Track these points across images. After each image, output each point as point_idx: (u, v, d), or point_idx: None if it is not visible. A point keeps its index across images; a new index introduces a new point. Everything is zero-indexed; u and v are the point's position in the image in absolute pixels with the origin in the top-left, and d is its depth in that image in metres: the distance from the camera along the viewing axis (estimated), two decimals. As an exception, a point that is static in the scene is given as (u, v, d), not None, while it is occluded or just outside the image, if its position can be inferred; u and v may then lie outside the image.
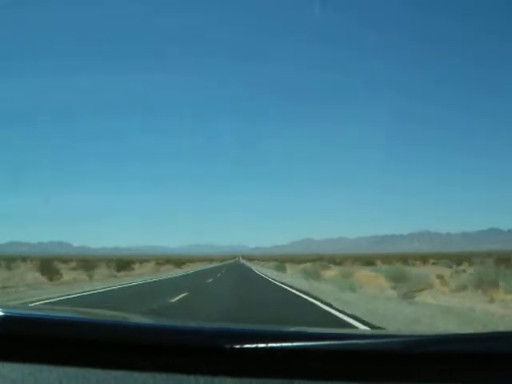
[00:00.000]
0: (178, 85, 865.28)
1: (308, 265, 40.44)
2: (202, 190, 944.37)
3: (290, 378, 1.11)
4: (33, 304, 11.66)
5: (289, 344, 1.16)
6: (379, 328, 7.32)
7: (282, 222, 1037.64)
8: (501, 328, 7.33)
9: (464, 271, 31.95)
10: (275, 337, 1.26)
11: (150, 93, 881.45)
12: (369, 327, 7.64)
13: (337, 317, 9.39)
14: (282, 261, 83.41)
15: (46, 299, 13.19)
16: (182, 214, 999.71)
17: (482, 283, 15.18)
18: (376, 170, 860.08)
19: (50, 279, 23.86)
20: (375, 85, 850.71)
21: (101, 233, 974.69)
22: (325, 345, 1.18)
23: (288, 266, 52.07)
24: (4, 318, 1.32)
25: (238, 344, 1.16)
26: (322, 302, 12.64)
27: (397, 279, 17.37)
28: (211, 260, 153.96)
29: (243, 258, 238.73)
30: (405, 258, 74.85)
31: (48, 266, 28.37)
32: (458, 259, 61.50)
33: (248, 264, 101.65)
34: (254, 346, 1.15)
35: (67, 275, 28.01)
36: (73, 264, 49.59)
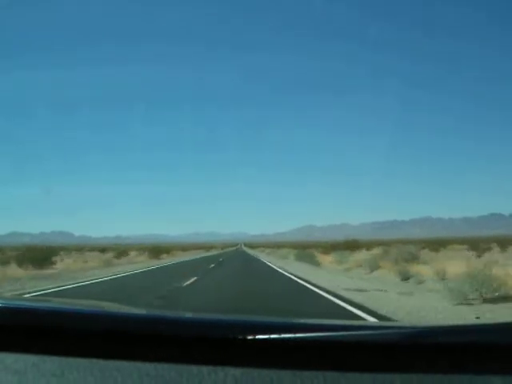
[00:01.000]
0: (179, 76, 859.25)
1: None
2: (202, 177, 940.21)
3: (301, 369, 1.11)
4: (35, 295, 11.25)
5: (300, 335, 1.17)
6: (387, 319, 7.23)
7: (283, 209, 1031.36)
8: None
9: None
10: (287, 328, 1.26)
11: (150, 84, 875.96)
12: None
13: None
14: (293, 248, 72.48)
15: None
16: (183, 203, 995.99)
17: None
18: (378, 157, 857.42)
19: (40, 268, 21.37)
20: (378, 74, 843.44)
21: (102, 222, 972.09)
22: (335, 336, 1.19)
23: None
24: (7, 309, 1.34)
25: (250, 335, 1.16)
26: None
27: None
28: (210, 248, 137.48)
29: (245, 245, 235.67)
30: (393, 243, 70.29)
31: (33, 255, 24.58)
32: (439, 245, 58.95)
33: (252, 252, 79.85)
34: (266, 337, 1.16)
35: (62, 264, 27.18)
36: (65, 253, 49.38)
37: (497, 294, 9.36)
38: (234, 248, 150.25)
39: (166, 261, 40.03)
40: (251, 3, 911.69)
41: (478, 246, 45.38)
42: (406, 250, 23.12)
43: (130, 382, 1.09)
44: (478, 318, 7.18)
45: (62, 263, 30.96)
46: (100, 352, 1.19)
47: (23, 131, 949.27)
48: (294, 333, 1.18)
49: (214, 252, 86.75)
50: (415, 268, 16.67)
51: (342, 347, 1.16)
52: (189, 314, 1.72)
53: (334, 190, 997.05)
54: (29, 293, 12.01)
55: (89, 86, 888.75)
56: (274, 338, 1.16)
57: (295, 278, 16.68)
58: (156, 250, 52.01)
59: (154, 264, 31.90)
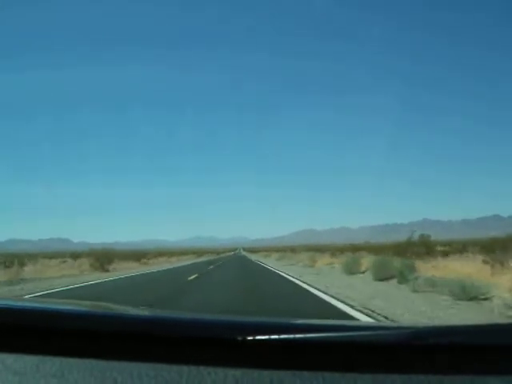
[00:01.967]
0: (178, 78, 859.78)
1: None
2: (201, 182, 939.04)
3: (301, 370, 1.11)
4: (35, 296, 11.21)
5: (300, 336, 1.17)
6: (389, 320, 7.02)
7: (283, 213, 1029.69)
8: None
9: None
10: (287, 329, 1.26)
11: (149, 86, 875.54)
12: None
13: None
14: (286, 251, 68.28)
15: None
16: (182, 208, 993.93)
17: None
18: (377, 160, 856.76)
19: None
20: (378, 75, 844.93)
21: (100, 228, 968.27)
22: (335, 336, 1.19)
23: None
24: (7, 310, 1.35)
25: (250, 336, 1.16)
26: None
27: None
28: (204, 253, 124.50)
29: (245, 250, 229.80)
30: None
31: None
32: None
33: (254, 258, 66.32)
34: (266, 337, 1.16)
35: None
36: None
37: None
38: (232, 253, 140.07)
39: (110, 275, 24.41)
40: (249, 3, 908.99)
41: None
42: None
43: (130, 382, 1.10)
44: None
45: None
46: (100, 352, 1.19)
47: (21, 137, 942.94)
48: (294, 333, 1.18)
49: (203, 258, 74.63)
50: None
51: (342, 348, 1.16)
52: (189, 315, 1.71)
53: (333, 193, 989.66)
54: None
55: (89, 88, 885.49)
56: (273, 339, 1.16)
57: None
58: (105, 256, 32.67)
59: (77, 282, 18.55)
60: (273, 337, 1.16)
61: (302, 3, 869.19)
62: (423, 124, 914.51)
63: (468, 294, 9.29)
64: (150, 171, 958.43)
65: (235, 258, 65.53)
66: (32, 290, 13.87)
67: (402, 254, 24.40)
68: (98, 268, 29.87)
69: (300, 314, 9.21)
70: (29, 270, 27.50)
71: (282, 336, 1.16)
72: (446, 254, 33.74)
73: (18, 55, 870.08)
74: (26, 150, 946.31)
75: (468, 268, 16.02)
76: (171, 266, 39.33)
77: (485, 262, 15.12)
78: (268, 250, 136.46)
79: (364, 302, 9.29)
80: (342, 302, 9.56)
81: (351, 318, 7.48)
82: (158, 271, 29.56)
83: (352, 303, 9.23)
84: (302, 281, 16.00)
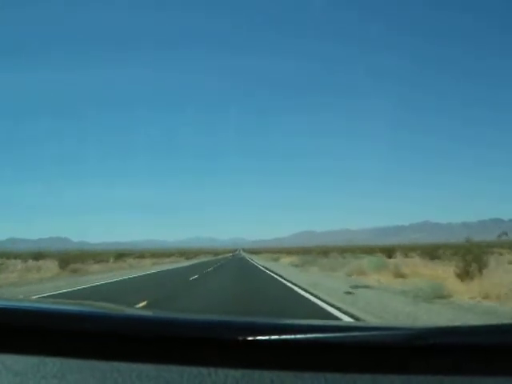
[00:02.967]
0: (179, 80, 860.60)
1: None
2: (201, 183, 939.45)
3: (302, 370, 1.11)
4: (36, 297, 11.07)
5: (301, 336, 1.17)
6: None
7: (283, 214, 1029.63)
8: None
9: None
10: (288, 329, 1.27)
11: (151, 87, 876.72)
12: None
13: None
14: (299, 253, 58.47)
15: None
16: (181, 208, 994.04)
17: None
18: (378, 162, 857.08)
19: None
20: (377, 77, 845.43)
21: (101, 228, 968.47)
22: (336, 337, 1.20)
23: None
24: (7, 310, 1.35)
25: (251, 336, 1.17)
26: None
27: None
28: (197, 254, 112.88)
29: (244, 250, 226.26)
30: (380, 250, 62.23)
31: None
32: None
33: (258, 263, 49.03)
34: (267, 338, 1.16)
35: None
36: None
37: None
38: (230, 255, 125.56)
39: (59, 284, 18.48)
40: (247, 3, 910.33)
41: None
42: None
43: (130, 382, 1.09)
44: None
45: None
46: (100, 353, 1.18)
47: (21, 136, 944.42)
48: (295, 334, 1.17)
49: (194, 261, 64.24)
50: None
51: (343, 348, 1.16)
52: (189, 315, 1.73)
53: (333, 195, 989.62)
54: None
55: (90, 88, 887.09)
56: (274, 339, 1.16)
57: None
58: (67, 257, 29.09)
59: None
60: (273, 337, 1.16)
61: (301, 4, 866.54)
62: (424, 126, 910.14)
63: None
64: (151, 172, 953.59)
65: (234, 262, 55.07)
66: None
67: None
68: (68, 270, 26.37)
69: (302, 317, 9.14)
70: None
71: (283, 336, 1.16)
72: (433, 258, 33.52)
73: (19, 55, 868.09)
74: (27, 150, 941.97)
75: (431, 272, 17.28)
76: (159, 269, 33.27)
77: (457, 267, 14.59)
78: (270, 251, 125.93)
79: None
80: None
81: None
82: (145, 275, 25.15)
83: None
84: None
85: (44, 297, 15.59)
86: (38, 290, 15.34)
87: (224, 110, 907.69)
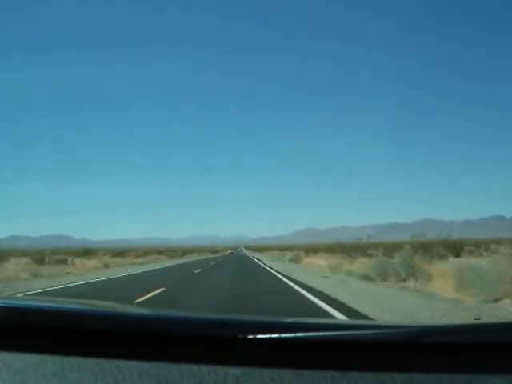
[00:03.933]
0: (179, 78, 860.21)
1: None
2: (203, 181, 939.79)
3: (302, 368, 1.11)
4: (35, 295, 10.98)
5: (301, 334, 1.17)
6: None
7: (284, 212, 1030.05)
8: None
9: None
10: (288, 327, 1.26)
11: (153, 85, 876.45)
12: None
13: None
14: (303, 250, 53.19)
15: None
16: (184, 206, 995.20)
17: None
18: (379, 159, 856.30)
19: None
20: (378, 75, 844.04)
21: (103, 225, 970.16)
22: (336, 335, 1.20)
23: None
24: (7, 308, 1.35)
25: (251, 334, 1.16)
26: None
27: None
28: (192, 251, 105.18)
29: (246, 248, 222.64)
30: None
31: None
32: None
33: (267, 263, 37.00)
34: (267, 336, 1.16)
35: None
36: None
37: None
38: (228, 252, 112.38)
39: None
40: (247, 3, 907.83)
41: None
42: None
43: (131, 381, 1.09)
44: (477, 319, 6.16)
45: None
46: (101, 351, 1.18)
47: (23, 133, 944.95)
48: (295, 332, 1.17)
49: (182, 260, 52.89)
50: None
51: (343, 346, 1.15)
52: (189, 314, 1.69)
53: (335, 192, 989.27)
54: None
55: (92, 86, 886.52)
56: (274, 338, 1.15)
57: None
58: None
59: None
60: (274, 335, 1.16)
61: (301, 3, 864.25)
62: (426, 124, 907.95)
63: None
64: (153, 170, 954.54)
65: (234, 261, 45.13)
66: None
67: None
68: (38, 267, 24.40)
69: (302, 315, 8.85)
70: None
71: (283, 335, 1.16)
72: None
73: (18, 54, 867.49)
74: (28, 147, 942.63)
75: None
76: (135, 272, 26.91)
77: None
78: (271, 248, 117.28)
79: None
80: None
81: None
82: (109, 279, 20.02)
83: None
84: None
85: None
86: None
87: (225, 107, 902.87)
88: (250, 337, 1.15)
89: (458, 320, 7.34)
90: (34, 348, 1.21)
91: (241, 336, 1.15)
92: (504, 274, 10.42)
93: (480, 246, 43.70)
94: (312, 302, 9.92)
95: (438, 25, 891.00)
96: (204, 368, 1.11)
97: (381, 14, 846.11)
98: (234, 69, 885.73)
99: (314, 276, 19.35)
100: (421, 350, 1.13)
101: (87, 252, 49.55)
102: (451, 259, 22.80)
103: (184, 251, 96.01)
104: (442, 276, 12.78)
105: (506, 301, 9.61)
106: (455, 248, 29.20)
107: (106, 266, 34.90)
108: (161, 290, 12.91)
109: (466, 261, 17.44)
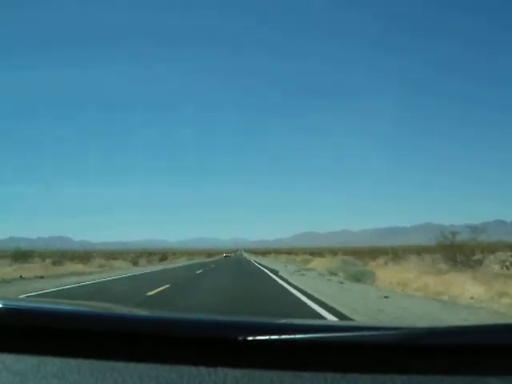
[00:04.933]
0: (179, 78, 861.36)
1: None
2: (203, 183, 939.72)
3: (301, 370, 1.12)
4: (35, 296, 10.77)
5: (301, 336, 1.18)
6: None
7: (284, 215, 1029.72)
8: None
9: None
10: (287, 329, 1.28)
11: (152, 86, 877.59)
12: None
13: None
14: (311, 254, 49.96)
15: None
16: (184, 208, 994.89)
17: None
18: (379, 162, 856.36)
19: None
20: (378, 77, 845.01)
21: (102, 227, 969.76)
22: (336, 337, 1.20)
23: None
24: (7, 310, 1.34)
25: (251, 336, 1.16)
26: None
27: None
28: (182, 255, 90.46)
29: (246, 251, 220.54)
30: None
31: None
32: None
33: (286, 276, 20.44)
34: (267, 337, 1.16)
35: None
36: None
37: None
38: (224, 255, 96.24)
39: None
40: (247, 3, 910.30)
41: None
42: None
43: (131, 382, 1.09)
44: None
45: None
46: (100, 353, 1.18)
47: (22, 134, 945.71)
48: (295, 334, 1.17)
49: (158, 267, 40.09)
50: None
51: (343, 348, 1.15)
52: (189, 315, 1.71)
53: (334, 196, 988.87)
54: None
55: (92, 87, 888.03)
56: (274, 339, 1.15)
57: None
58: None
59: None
60: (273, 337, 1.16)
61: (301, 3, 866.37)
62: (427, 127, 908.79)
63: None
64: (154, 171, 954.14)
65: (229, 267, 35.02)
66: None
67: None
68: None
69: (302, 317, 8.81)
70: None
71: (283, 336, 1.16)
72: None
73: (17, 54, 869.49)
74: (27, 148, 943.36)
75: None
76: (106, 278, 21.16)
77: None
78: (272, 251, 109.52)
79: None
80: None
81: None
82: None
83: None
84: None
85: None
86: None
87: (225, 109, 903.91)
88: (250, 338, 1.14)
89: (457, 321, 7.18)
90: (34, 349, 1.21)
91: (240, 338, 1.15)
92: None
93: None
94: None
95: (438, 25, 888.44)
96: (203, 370, 1.10)
97: (381, 14, 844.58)
98: (234, 68, 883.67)
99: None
100: (421, 352, 1.12)
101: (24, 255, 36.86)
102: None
103: (164, 255, 74.58)
104: None
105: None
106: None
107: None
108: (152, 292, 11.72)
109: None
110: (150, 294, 12.79)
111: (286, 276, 21.12)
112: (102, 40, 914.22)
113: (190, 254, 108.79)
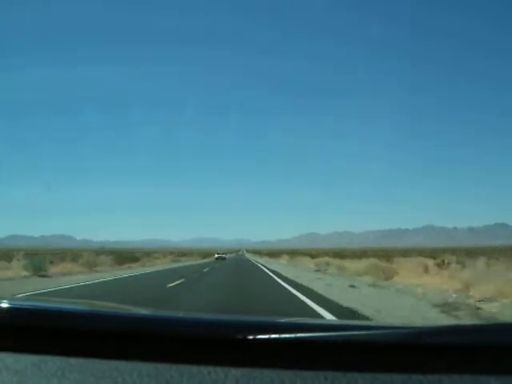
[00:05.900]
0: (180, 79, 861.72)
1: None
2: (206, 183, 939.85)
3: (302, 369, 1.12)
4: (36, 295, 11.04)
5: (301, 335, 1.17)
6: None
7: (286, 216, 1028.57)
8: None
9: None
10: (288, 328, 1.27)
11: (154, 85, 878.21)
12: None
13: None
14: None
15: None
16: (186, 208, 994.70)
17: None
18: (382, 164, 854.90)
19: None
20: (380, 79, 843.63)
21: (104, 226, 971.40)
22: (336, 336, 1.19)
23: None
24: (7, 309, 1.35)
25: (251, 335, 1.17)
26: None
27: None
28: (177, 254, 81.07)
29: (248, 251, 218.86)
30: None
31: None
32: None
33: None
34: (267, 337, 1.16)
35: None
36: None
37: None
38: (216, 257, 71.61)
39: None
40: (247, 3, 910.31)
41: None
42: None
43: (131, 382, 1.09)
44: None
45: None
46: (100, 352, 1.18)
47: (23, 133, 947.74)
48: (295, 333, 1.17)
49: (157, 267, 35.22)
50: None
51: (343, 347, 1.15)
52: (190, 314, 1.68)
53: (336, 197, 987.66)
54: None
55: (94, 86, 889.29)
56: (274, 338, 1.15)
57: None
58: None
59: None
60: (273, 336, 1.16)
61: (302, 3, 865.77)
62: (429, 130, 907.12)
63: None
64: (156, 171, 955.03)
65: (228, 271, 28.45)
66: None
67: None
68: None
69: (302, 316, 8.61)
70: None
71: (283, 335, 1.16)
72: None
73: (17, 54, 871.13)
74: (29, 147, 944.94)
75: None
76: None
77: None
78: (273, 252, 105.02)
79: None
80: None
81: None
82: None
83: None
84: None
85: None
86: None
87: (227, 110, 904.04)
88: (250, 337, 1.15)
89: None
90: (34, 349, 1.21)
91: (241, 337, 1.15)
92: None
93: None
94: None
95: (438, 25, 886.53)
96: (204, 369, 1.10)
97: (381, 14, 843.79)
98: (234, 68, 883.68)
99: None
100: (421, 351, 1.13)
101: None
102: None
103: (148, 254, 63.14)
104: None
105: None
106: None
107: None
108: None
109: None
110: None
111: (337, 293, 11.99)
112: (102, 40, 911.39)
113: (190, 254, 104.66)
